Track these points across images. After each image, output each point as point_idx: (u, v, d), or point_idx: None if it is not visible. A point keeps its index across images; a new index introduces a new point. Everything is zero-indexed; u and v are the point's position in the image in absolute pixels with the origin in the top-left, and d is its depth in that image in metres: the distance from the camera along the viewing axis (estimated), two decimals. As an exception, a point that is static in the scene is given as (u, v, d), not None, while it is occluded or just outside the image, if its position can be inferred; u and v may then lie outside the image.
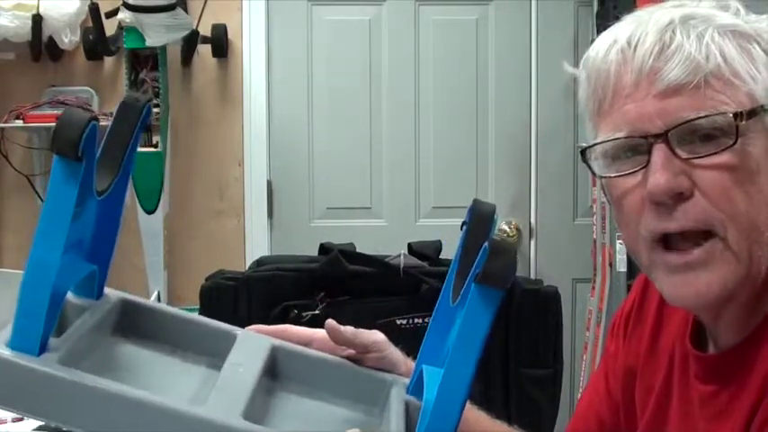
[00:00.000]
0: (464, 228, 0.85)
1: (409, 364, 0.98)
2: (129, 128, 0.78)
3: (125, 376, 0.78)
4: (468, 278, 0.73)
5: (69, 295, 0.82)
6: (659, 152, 0.80)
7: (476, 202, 0.86)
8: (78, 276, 0.81)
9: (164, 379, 0.83)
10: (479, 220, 0.85)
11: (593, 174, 0.87)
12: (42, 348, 0.71)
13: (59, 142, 0.68)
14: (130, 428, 0.71)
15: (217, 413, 0.73)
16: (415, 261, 1.89)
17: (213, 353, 0.87)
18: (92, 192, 0.74)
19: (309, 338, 0.95)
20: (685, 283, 0.82)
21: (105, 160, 0.77)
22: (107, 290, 0.87)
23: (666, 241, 0.82)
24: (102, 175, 0.76)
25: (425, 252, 1.92)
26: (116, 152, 0.78)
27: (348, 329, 0.94)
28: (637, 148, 0.83)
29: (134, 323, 0.88)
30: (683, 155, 0.80)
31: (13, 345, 0.71)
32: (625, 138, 0.83)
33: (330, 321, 0.94)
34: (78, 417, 0.70)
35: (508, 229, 3.21)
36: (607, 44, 0.85)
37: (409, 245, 1.94)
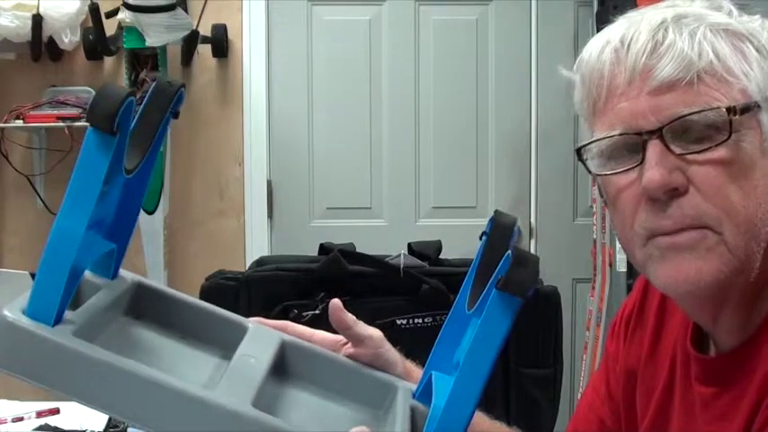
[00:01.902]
0: (483, 238, 0.85)
1: (407, 365, 0.98)
2: (160, 111, 0.78)
3: (135, 356, 0.78)
4: (489, 284, 0.73)
5: (86, 272, 0.82)
6: (654, 148, 0.81)
7: (497, 213, 0.86)
8: (98, 253, 0.81)
9: (173, 363, 0.83)
10: (499, 230, 0.85)
11: (590, 172, 0.88)
12: (58, 319, 0.71)
13: (96, 115, 0.67)
14: (138, 405, 0.71)
15: (227, 399, 0.73)
16: (415, 261, 1.89)
17: (224, 343, 0.87)
18: (121, 169, 0.74)
19: (309, 337, 0.96)
20: (675, 268, 0.81)
21: (135, 141, 0.76)
22: (122, 271, 0.87)
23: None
24: (131, 155, 0.76)
25: (425, 252, 1.92)
26: (146, 134, 0.77)
27: (349, 315, 0.95)
28: (632, 145, 0.83)
29: (147, 306, 0.88)
30: (678, 150, 0.81)
31: (29, 313, 0.71)
32: (620, 135, 0.83)
33: (336, 301, 0.94)
34: (86, 389, 0.70)
35: (508, 229, 3.20)
36: (600, 45, 0.85)
37: (409, 245, 1.94)
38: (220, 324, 0.90)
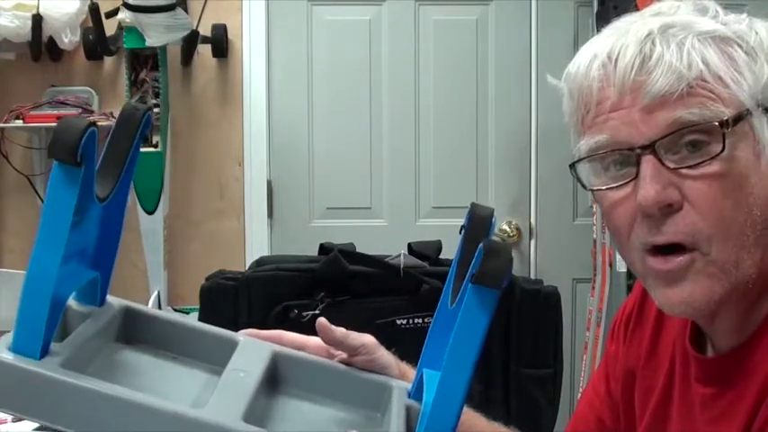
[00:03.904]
0: (462, 231, 0.86)
1: (402, 367, 0.98)
2: (129, 136, 0.78)
3: (126, 381, 0.79)
4: (465, 279, 0.74)
5: (72, 302, 0.82)
6: (648, 164, 0.80)
7: (473, 205, 0.86)
8: (80, 283, 0.81)
9: (165, 384, 0.83)
10: (478, 223, 0.85)
11: (583, 187, 0.87)
12: (44, 352, 0.72)
13: (58, 148, 0.68)
14: (130, 431, 0.71)
15: (216, 416, 0.73)
16: (415, 261, 1.89)
17: (215, 359, 0.87)
18: (92, 198, 0.75)
19: (303, 344, 0.96)
20: (671, 293, 0.83)
21: (106, 167, 0.77)
22: (110, 297, 0.87)
23: (655, 251, 0.83)
24: (103, 182, 0.77)
25: (425, 252, 1.93)
26: (117, 159, 0.78)
27: (338, 330, 0.95)
28: (625, 160, 0.83)
29: (136, 330, 0.88)
30: (672, 165, 0.80)
31: (15, 348, 0.71)
32: (612, 151, 0.83)
33: (321, 320, 0.95)
34: (78, 419, 0.71)
35: (508, 229, 3.21)
36: (588, 59, 0.85)
37: (409, 245, 1.94)
38: (210, 341, 0.90)
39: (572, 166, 0.87)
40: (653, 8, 0.86)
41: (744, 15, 0.84)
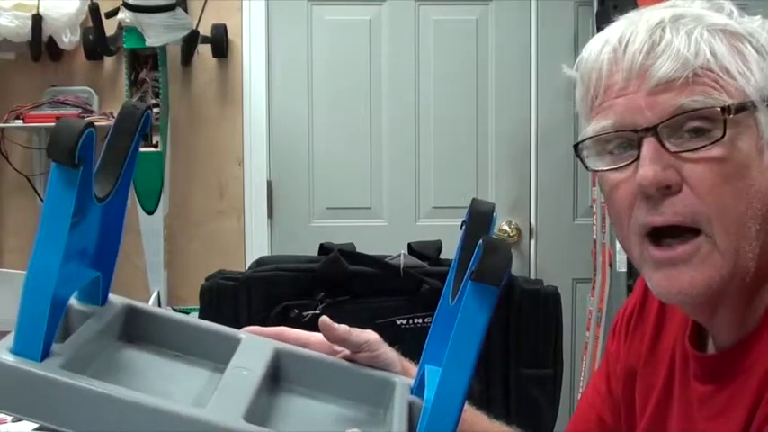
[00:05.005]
0: (463, 227, 0.86)
1: (405, 363, 0.98)
2: (128, 135, 0.78)
3: (128, 381, 0.79)
4: (465, 276, 0.74)
5: (73, 302, 0.82)
6: (649, 145, 0.82)
7: (474, 201, 0.87)
8: (81, 283, 0.81)
9: (167, 383, 0.83)
10: (478, 219, 0.85)
11: (587, 168, 0.88)
12: (45, 354, 0.72)
13: (55, 149, 0.68)
14: (131, 431, 0.71)
15: (217, 415, 0.73)
16: (415, 261, 1.89)
17: (217, 357, 0.87)
18: (91, 198, 0.75)
19: (306, 341, 0.96)
20: (669, 279, 0.83)
21: (105, 167, 0.77)
22: (112, 296, 0.87)
23: (655, 237, 0.83)
24: (103, 182, 0.77)
25: (425, 252, 1.92)
26: (116, 159, 0.78)
27: (341, 327, 0.95)
28: (628, 142, 0.84)
29: (139, 329, 0.88)
30: (673, 148, 0.81)
31: (15, 350, 0.71)
32: (615, 132, 0.84)
33: (324, 318, 0.95)
34: (79, 420, 0.71)
35: (508, 229, 3.21)
36: (599, 44, 0.86)
37: (409, 245, 1.94)
38: (213, 338, 0.90)
39: (576, 147, 0.88)
40: (668, 2, 0.87)
41: (758, 17, 0.85)
